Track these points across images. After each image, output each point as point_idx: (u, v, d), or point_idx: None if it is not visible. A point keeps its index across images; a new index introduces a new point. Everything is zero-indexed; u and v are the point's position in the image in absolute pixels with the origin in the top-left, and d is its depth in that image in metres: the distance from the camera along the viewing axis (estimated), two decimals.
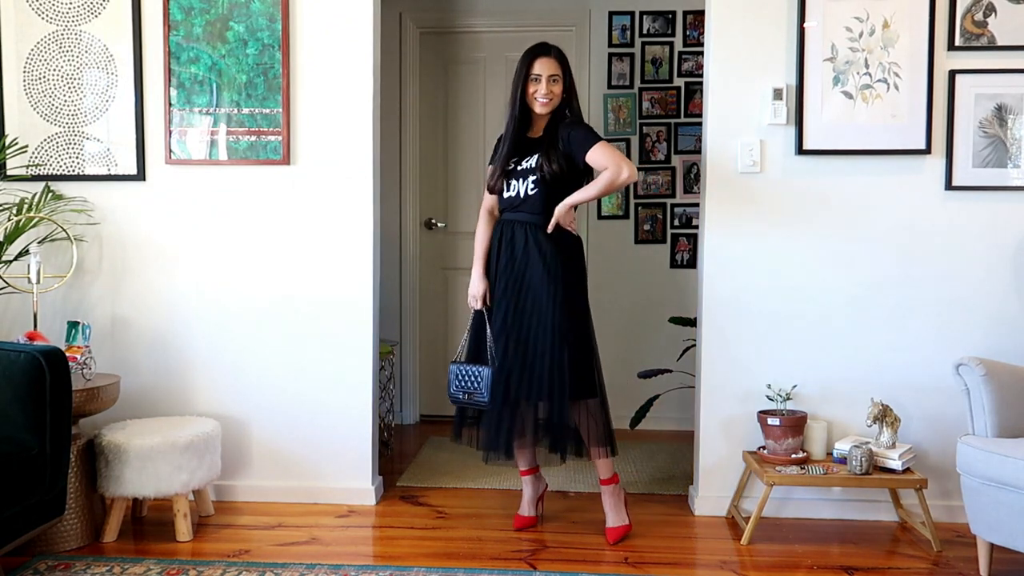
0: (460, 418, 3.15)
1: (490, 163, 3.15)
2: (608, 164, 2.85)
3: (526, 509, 3.15)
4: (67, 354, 2.80)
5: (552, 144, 2.95)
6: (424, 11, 4.69)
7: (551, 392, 2.91)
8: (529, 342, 2.93)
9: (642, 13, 4.62)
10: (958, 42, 3.10)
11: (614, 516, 3.03)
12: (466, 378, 2.98)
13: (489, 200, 3.12)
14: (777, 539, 3.03)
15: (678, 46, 4.63)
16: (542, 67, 2.94)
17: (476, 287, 3.05)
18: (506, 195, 3.02)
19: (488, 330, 3.00)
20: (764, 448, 3.12)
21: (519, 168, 3.00)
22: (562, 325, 2.91)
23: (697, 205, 4.35)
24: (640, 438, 4.29)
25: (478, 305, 3.04)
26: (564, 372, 2.89)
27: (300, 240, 3.33)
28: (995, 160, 3.12)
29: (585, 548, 2.93)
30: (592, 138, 2.92)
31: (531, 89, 2.95)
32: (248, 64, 3.28)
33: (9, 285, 3.18)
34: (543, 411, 3.01)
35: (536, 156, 2.96)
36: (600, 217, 4.67)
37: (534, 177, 2.94)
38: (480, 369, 2.95)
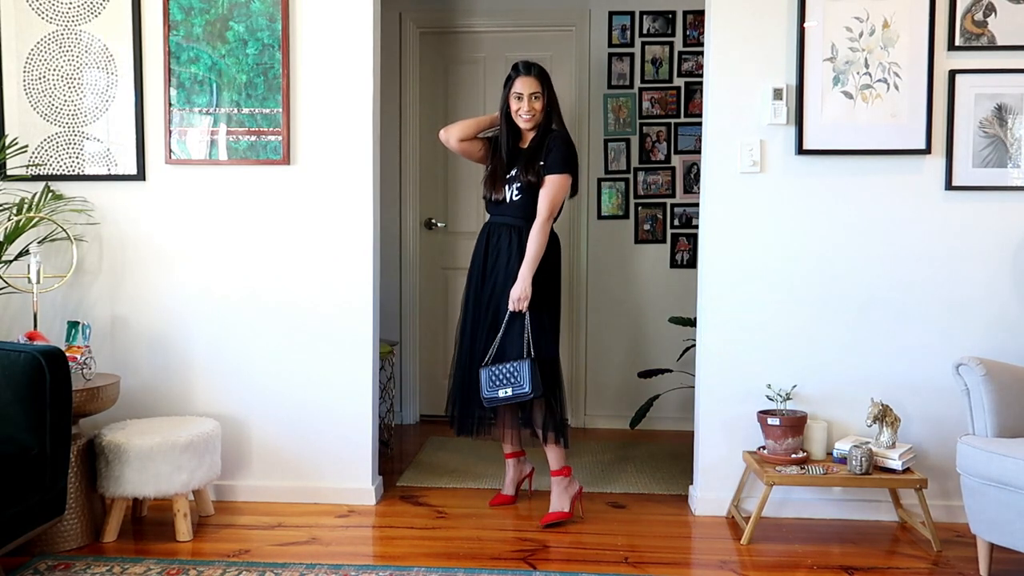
0: (462, 414, 3.27)
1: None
2: (541, 205, 3.11)
3: (509, 488, 3.40)
4: (67, 354, 2.80)
5: (534, 156, 3.17)
6: (424, 11, 4.69)
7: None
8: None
9: (642, 13, 4.62)
10: (958, 42, 3.10)
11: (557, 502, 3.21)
12: (503, 376, 3.06)
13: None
14: (777, 539, 3.03)
15: (678, 46, 4.62)
16: (523, 86, 3.17)
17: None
18: (494, 198, 3.25)
19: (527, 327, 3.11)
20: (764, 448, 3.12)
21: (507, 176, 3.21)
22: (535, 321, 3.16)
23: (697, 205, 4.34)
24: (640, 438, 4.29)
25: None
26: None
27: (300, 240, 3.33)
28: (995, 160, 3.12)
29: (585, 548, 2.93)
30: (558, 166, 3.12)
31: (514, 106, 3.20)
32: (248, 64, 3.28)
33: (9, 285, 3.18)
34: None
35: (519, 166, 3.20)
36: (600, 217, 4.67)
37: (518, 184, 3.19)
38: (518, 364, 3.05)
